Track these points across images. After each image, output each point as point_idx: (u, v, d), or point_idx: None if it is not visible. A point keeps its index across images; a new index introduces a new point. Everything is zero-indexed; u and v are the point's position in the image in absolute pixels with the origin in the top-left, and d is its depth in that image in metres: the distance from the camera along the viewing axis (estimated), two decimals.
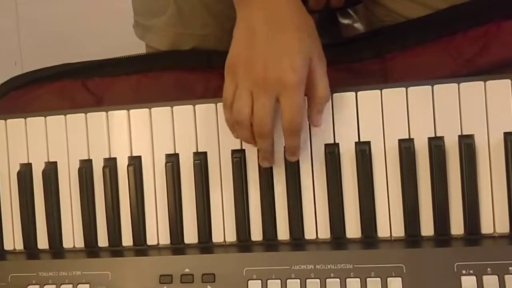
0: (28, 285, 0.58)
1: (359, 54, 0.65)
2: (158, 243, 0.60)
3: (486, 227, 0.54)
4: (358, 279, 0.52)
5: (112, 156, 0.61)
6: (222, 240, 0.58)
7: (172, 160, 0.59)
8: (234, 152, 0.58)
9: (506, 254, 0.50)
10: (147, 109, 0.60)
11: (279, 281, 0.53)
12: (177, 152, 0.59)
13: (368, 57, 0.65)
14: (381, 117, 0.55)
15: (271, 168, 0.57)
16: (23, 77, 0.72)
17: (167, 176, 0.59)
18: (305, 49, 0.52)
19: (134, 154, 0.60)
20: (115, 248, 0.60)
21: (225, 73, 0.54)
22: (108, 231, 0.60)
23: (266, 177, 0.57)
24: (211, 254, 0.57)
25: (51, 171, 0.61)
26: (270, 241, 0.57)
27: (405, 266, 0.51)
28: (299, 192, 0.57)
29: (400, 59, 0.64)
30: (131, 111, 0.60)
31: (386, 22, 0.68)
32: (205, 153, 0.59)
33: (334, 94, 0.56)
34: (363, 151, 0.55)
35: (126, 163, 0.60)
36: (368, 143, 0.55)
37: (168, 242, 0.59)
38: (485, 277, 0.50)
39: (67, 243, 0.62)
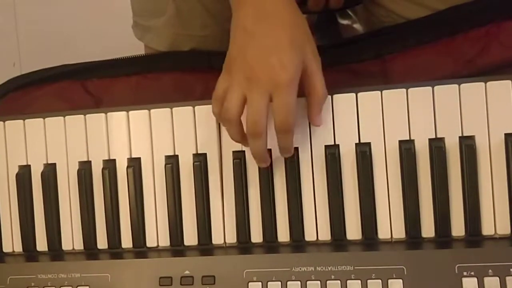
0: (27, 287, 0.57)
1: (359, 55, 0.65)
2: (158, 245, 0.59)
3: (487, 229, 0.53)
4: (359, 281, 0.51)
5: (111, 158, 0.60)
6: (222, 242, 0.58)
7: (172, 162, 0.59)
8: (234, 153, 0.58)
9: (508, 255, 0.50)
10: (146, 111, 0.60)
11: (279, 283, 0.53)
12: (176, 153, 0.59)
13: (368, 58, 0.65)
14: (381, 118, 0.55)
15: (271, 169, 0.57)
16: (21, 78, 0.72)
17: (166, 177, 0.59)
18: (297, 47, 0.51)
19: (133, 156, 0.60)
20: (115, 250, 0.60)
21: (222, 72, 0.54)
22: (108, 233, 0.60)
23: (266, 178, 0.57)
24: (211, 256, 0.56)
25: (50, 173, 0.61)
26: (270, 243, 0.57)
27: (406, 268, 0.51)
28: (299, 193, 0.56)
29: (400, 60, 0.64)
30: (131, 112, 0.60)
31: (386, 23, 0.68)
32: (205, 154, 0.58)
33: (334, 96, 0.56)
34: (363, 152, 0.55)
35: (126, 164, 0.60)
36: (369, 144, 0.55)
37: (168, 244, 0.59)
38: (486, 279, 0.50)
39: (66, 245, 0.61)
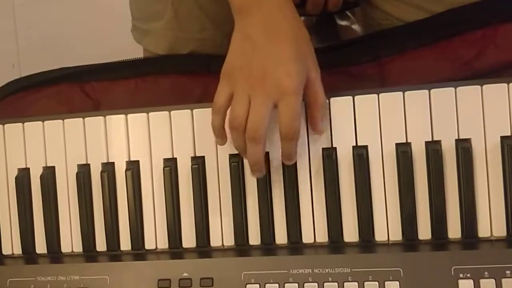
0: None
1: (356, 58, 0.65)
2: (156, 248, 0.60)
3: (483, 231, 0.54)
4: (356, 283, 0.52)
5: (110, 161, 0.61)
6: (220, 244, 0.58)
7: (170, 165, 0.59)
8: (231, 156, 0.58)
9: (503, 257, 0.50)
10: (145, 114, 0.60)
11: (277, 285, 0.53)
12: (175, 156, 0.59)
13: (365, 60, 0.65)
14: (378, 121, 0.55)
15: (268, 172, 0.57)
16: (20, 81, 0.72)
17: (165, 180, 0.59)
18: (301, 59, 0.53)
19: (132, 159, 0.60)
20: (113, 253, 0.60)
21: (221, 79, 0.55)
22: (106, 235, 0.61)
23: (264, 181, 0.57)
24: (209, 258, 0.57)
25: (49, 176, 0.61)
26: (268, 245, 0.57)
27: (402, 270, 0.51)
28: (297, 196, 0.57)
29: (397, 62, 0.64)
30: (129, 115, 0.60)
31: (383, 25, 0.69)
32: (203, 157, 0.59)
33: (331, 99, 0.56)
34: (360, 155, 0.55)
35: (124, 167, 0.60)
36: (366, 147, 0.56)
37: (166, 246, 0.59)
38: (482, 281, 0.50)
39: (65, 248, 0.62)
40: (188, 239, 0.59)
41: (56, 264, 0.60)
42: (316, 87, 0.54)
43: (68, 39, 1.22)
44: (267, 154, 0.57)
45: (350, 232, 0.56)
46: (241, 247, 0.58)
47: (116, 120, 0.61)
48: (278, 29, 0.53)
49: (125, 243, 0.60)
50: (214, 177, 0.58)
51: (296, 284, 0.53)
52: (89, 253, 0.61)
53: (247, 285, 0.53)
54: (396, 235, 0.55)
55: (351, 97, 0.56)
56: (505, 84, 0.53)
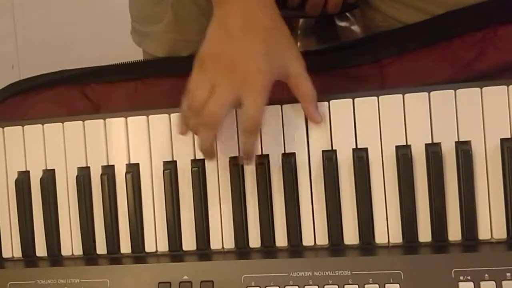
0: None
1: (355, 60, 0.65)
2: (157, 250, 0.60)
3: (483, 233, 0.54)
4: (356, 286, 0.52)
5: (110, 164, 0.61)
6: (220, 247, 0.58)
7: (170, 168, 0.59)
8: (231, 159, 0.58)
9: (504, 260, 0.50)
10: (144, 116, 0.60)
11: None
12: (175, 159, 0.59)
13: (364, 62, 0.65)
14: (378, 123, 0.55)
15: (269, 174, 0.57)
16: (20, 84, 0.72)
17: (165, 183, 0.59)
18: (275, 55, 0.53)
19: (132, 162, 0.60)
20: (114, 256, 0.60)
21: (194, 67, 0.55)
22: (107, 238, 0.60)
23: (264, 183, 0.57)
24: (210, 261, 0.57)
25: (49, 179, 0.61)
26: (268, 248, 0.57)
27: (403, 273, 0.51)
28: (297, 198, 0.57)
29: (396, 64, 0.64)
30: (129, 118, 0.60)
31: (382, 27, 0.68)
32: (203, 160, 0.59)
33: (331, 101, 0.56)
34: (360, 157, 0.55)
35: (124, 170, 0.60)
36: (366, 149, 0.55)
37: (167, 249, 0.59)
38: (482, 283, 0.50)
39: (65, 251, 0.62)
40: (188, 242, 0.59)
41: (56, 267, 0.60)
42: (300, 81, 0.54)
43: (67, 40, 1.22)
44: (267, 155, 0.57)
45: (350, 235, 0.56)
46: (241, 250, 0.58)
47: (116, 123, 0.61)
48: (255, 23, 0.54)
49: (125, 246, 0.60)
50: (214, 179, 0.58)
51: (297, 287, 0.53)
52: (89, 256, 0.61)
53: None
54: (397, 237, 0.55)
55: (351, 100, 0.56)
56: (505, 87, 0.53)
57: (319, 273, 0.53)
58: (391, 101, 0.55)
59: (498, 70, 0.60)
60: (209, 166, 0.59)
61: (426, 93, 0.54)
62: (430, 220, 0.54)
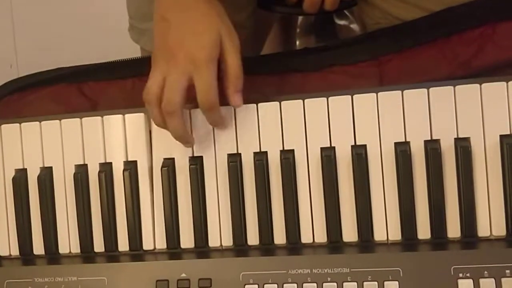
0: None
1: (354, 57, 0.65)
2: (155, 248, 0.60)
3: (482, 230, 0.53)
4: (355, 283, 0.52)
5: (107, 161, 0.60)
6: (218, 244, 0.58)
7: (168, 165, 0.59)
8: (230, 156, 0.58)
9: (503, 257, 0.50)
10: (142, 114, 0.60)
11: (275, 285, 0.53)
12: (172, 156, 0.59)
13: (363, 59, 0.65)
14: (377, 120, 0.55)
15: (267, 171, 0.57)
16: (17, 81, 0.71)
17: (163, 180, 0.59)
18: (213, 29, 0.54)
19: (129, 159, 0.60)
20: (111, 253, 0.60)
21: (151, 65, 0.57)
22: (104, 236, 0.60)
23: (262, 180, 0.57)
24: (208, 258, 0.56)
25: (46, 177, 0.61)
26: (266, 245, 0.57)
27: (402, 270, 0.51)
28: (295, 195, 0.56)
29: (395, 61, 0.63)
30: (127, 115, 0.60)
31: (381, 24, 0.68)
32: (201, 157, 0.58)
33: (330, 98, 0.56)
34: (359, 154, 0.55)
35: (122, 167, 0.60)
36: (364, 146, 0.55)
37: (165, 246, 0.59)
38: (482, 280, 0.50)
39: (63, 249, 0.61)
40: (186, 240, 0.59)
41: (54, 265, 0.59)
42: (230, 58, 0.55)
43: (66, 38, 1.22)
44: (266, 152, 0.57)
45: (349, 232, 0.56)
46: (240, 247, 0.58)
47: (113, 120, 0.60)
48: (190, 6, 0.56)
49: (123, 244, 0.60)
50: (212, 177, 0.58)
51: (295, 285, 0.52)
52: (86, 254, 0.61)
53: (246, 286, 0.53)
54: (395, 234, 0.55)
55: (349, 96, 0.56)
56: (504, 83, 0.53)
57: (318, 271, 0.52)
58: (390, 98, 0.55)
59: (497, 67, 0.60)
60: (207, 163, 0.58)
61: (425, 90, 0.54)
62: (429, 217, 0.54)
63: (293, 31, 1.03)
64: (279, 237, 0.57)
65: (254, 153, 0.58)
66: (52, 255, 0.61)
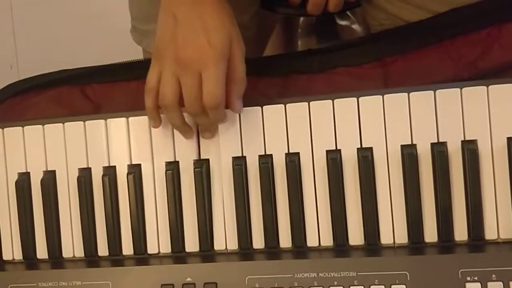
0: None
1: (359, 58, 0.65)
2: (159, 252, 0.59)
3: (490, 233, 0.53)
4: (362, 287, 0.51)
5: (111, 165, 0.60)
6: (223, 248, 0.58)
7: (172, 168, 0.58)
8: (235, 159, 0.57)
9: (511, 260, 0.50)
10: (146, 117, 0.59)
11: None
12: (177, 159, 0.59)
13: (368, 61, 0.64)
14: (383, 122, 0.55)
15: (272, 174, 0.57)
16: (20, 84, 0.71)
17: (167, 184, 0.58)
18: (224, 27, 0.53)
19: (133, 162, 0.60)
20: (116, 257, 0.60)
21: (152, 60, 0.56)
22: (108, 240, 0.60)
23: (268, 183, 0.57)
24: (213, 262, 0.56)
25: (49, 180, 0.61)
26: (272, 249, 0.57)
27: (409, 274, 0.51)
28: (301, 198, 0.56)
29: (400, 63, 0.63)
30: (130, 118, 0.60)
31: (385, 25, 0.68)
32: (206, 160, 0.58)
33: (335, 100, 0.56)
34: (365, 157, 0.55)
35: (126, 171, 0.59)
36: (370, 149, 0.55)
37: (169, 250, 0.59)
38: (490, 284, 0.50)
39: (66, 253, 0.61)
40: (191, 243, 0.58)
41: (58, 269, 0.59)
42: (236, 62, 0.54)
43: (67, 40, 1.22)
44: (271, 155, 0.57)
45: (356, 235, 0.55)
46: (245, 251, 0.57)
47: (117, 123, 0.60)
48: (201, 3, 0.54)
49: (127, 248, 0.60)
50: (217, 180, 0.58)
51: None
52: (91, 258, 0.60)
53: None
54: (402, 238, 0.55)
55: (355, 99, 0.55)
56: (511, 85, 0.53)
57: (324, 274, 0.52)
58: (396, 100, 0.54)
59: (503, 68, 0.60)
60: (212, 166, 0.58)
61: (432, 92, 0.54)
62: (436, 220, 0.54)
63: (295, 32, 1.02)
64: (285, 240, 0.57)
65: (259, 156, 0.57)
66: (56, 259, 0.61)
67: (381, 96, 0.55)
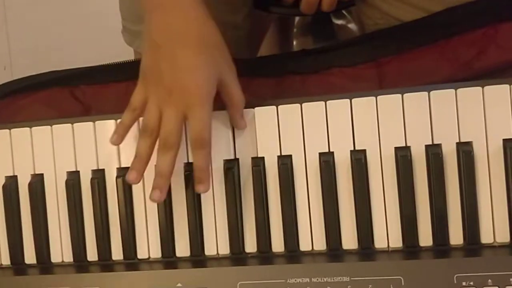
0: None
1: (353, 59, 0.64)
2: (149, 257, 0.58)
3: (486, 237, 0.52)
4: None
5: (100, 168, 0.59)
6: (215, 252, 0.57)
7: None
8: (226, 162, 0.56)
9: (507, 264, 0.49)
10: None
11: None
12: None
13: (362, 61, 0.63)
14: (376, 124, 0.54)
15: (264, 177, 0.56)
16: (9, 85, 0.70)
17: None
18: (210, 64, 0.52)
19: (122, 165, 0.58)
20: (105, 263, 0.59)
21: (139, 79, 0.55)
22: (98, 244, 0.59)
23: (260, 187, 0.55)
24: (204, 267, 0.55)
25: (37, 184, 0.59)
26: (264, 254, 0.56)
27: (403, 278, 0.50)
28: (294, 202, 0.55)
29: (395, 63, 0.62)
30: (119, 120, 0.58)
31: (380, 25, 0.67)
32: None
33: (328, 102, 0.55)
34: (358, 159, 0.53)
35: (115, 174, 0.58)
36: (364, 151, 0.54)
37: (159, 255, 0.58)
38: None
39: (55, 258, 0.60)
40: (182, 248, 0.57)
41: (46, 275, 0.58)
42: (231, 89, 0.54)
43: (60, 41, 1.21)
44: (263, 157, 0.55)
45: (349, 239, 0.54)
46: (237, 255, 0.56)
47: (106, 126, 0.59)
48: (183, 34, 0.53)
49: (117, 253, 0.58)
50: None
51: None
52: (80, 263, 0.59)
53: None
54: (396, 241, 0.53)
55: (348, 100, 0.54)
56: (507, 86, 0.52)
57: (317, 279, 0.51)
58: (389, 101, 0.53)
59: (499, 69, 0.59)
60: None
61: (426, 93, 0.53)
62: (431, 223, 0.53)
63: (291, 32, 1.02)
64: (277, 244, 0.56)
65: (252, 158, 0.56)
66: (45, 264, 0.60)
67: (374, 98, 0.54)
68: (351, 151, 0.54)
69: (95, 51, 1.03)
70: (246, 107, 0.56)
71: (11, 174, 0.60)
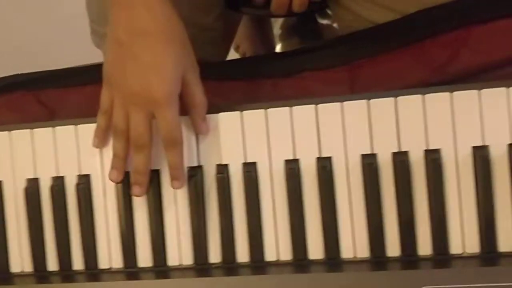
0: None
1: (325, 62, 0.62)
2: (111, 267, 0.56)
3: (455, 247, 0.50)
4: None
5: (60, 175, 0.57)
6: (178, 263, 0.55)
7: (123, 179, 0.55)
8: (190, 169, 0.55)
9: (477, 275, 0.47)
10: (95, 124, 0.56)
11: None
12: (128, 170, 0.56)
13: (334, 64, 0.62)
14: (342, 131, 0.52)
15: (229, 185, 0.54)
16: None
17: (118, 195, 0.55)
18: (175, 62, 0.51)
19: (83, 172, 0.57)
20: (66, 273, 0.57)
21: (103, 83, 0.54)
22: (58, 254, 0.57)
23: (224, 194, 0.54)
24: (167, 279, 0.53)
25: None
26: (229, 264, 0.54)
27: None
28: (259, 210, 0.53)
29: (367, 66, 0.61)
30: (79, 126, 0.57)
31: (353, 27, 0.65)
32: (158, 171, 0.55)
33: (294, 107, 0.53)
34: (324, 167, 0.52)
35: (75, 181, 0.56)
36: (329, 158, 0.52)
37: (121, 265, 0.56)
38: None
39: (15, 267, 0.58)
40: (144, 258, 0.55)
41: (5, 285, 0.56)
42: (192, 88, 0.52)
43: (25, 45, 1.19)
44: (226, 165, 0.54)
45: (315, 249, 0.53)
46: (201, 266, 0.54)
47: (66, 131, 0.57)
48: (146, 32, 0.51)
49: (78, 262, 0.57)
50: (170, 190, 0.55)
51: None
52: (40, 273, 0.57)
53: None
54: (364, 251, 0.52)
55: (313, 106, 0.52)
56: (476, 91, 0.50)
57: None
58: (355, 107, 0.52)
59: (473, 72, 0.57)
60: (165, 176, 0.55)
61: (393, 99, 0.51)
62: (399, 233, 0.51)
63: (270, 33, 1.00)
64: (242, 254, 0.54)
65: (216, 165, 0.54)
66: (4, 274, 0.58)
67: (340, 104, 0.52)
68: (317, 158, 0.52)
69: (62, 54, 1.02)
70: (212, 112, 0.55)
71: None
